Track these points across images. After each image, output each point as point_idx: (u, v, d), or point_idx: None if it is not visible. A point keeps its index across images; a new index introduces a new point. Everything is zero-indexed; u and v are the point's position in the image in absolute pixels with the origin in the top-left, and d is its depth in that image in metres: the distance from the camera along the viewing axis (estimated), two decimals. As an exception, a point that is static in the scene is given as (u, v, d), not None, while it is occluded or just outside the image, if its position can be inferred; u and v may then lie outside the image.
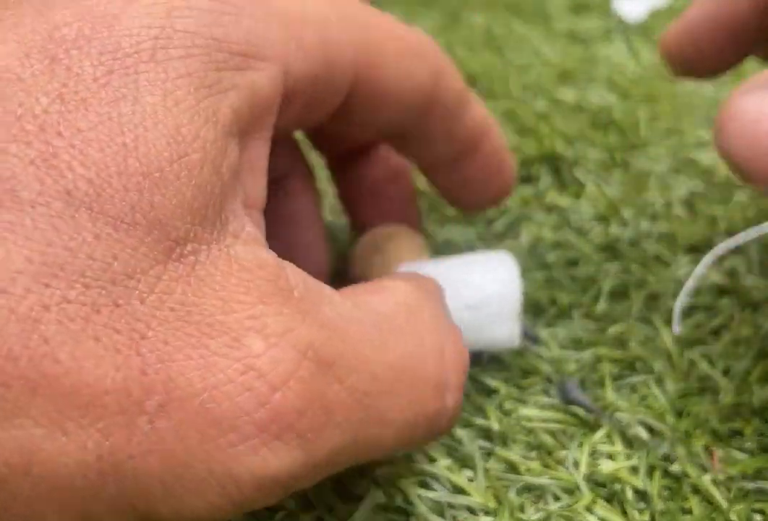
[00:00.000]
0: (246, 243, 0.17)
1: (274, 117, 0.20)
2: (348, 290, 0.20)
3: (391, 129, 0.27)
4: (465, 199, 0.31)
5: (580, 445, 0.27)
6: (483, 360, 0.30)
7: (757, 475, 0.26)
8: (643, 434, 0.28)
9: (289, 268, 0.18)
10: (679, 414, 0.28)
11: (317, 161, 0.34)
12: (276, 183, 0.27)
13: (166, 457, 0.15)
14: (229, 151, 0.17)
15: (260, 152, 0.19)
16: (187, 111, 0.17)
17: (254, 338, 0.15)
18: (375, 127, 0.27)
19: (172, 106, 0.17)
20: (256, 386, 0.15)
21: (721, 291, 0.34)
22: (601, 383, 0.30)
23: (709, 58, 0.31)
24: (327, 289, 0.19)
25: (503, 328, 0.27)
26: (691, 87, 0.51)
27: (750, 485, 0.26)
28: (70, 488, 0.14)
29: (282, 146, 0.27)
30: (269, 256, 0.18)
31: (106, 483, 0.14)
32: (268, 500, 0.16)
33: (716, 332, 0.32)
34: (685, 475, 0.26)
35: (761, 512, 0.25)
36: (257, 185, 0.19)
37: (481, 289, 0.26)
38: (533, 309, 0.33)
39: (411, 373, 0.19)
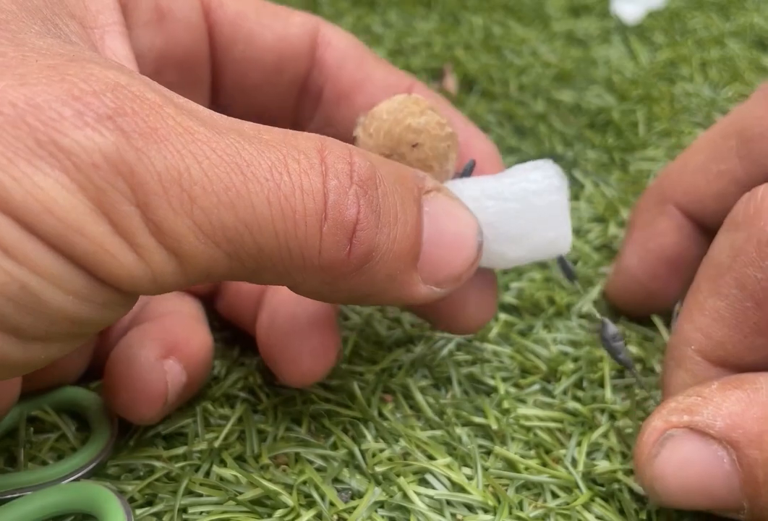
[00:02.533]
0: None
1: (113, 14, 0.23)
2: None
3: (287, 72, 0.28)
4: None
5: (579, 444, 0.27)
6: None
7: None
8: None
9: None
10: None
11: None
12: None
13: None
14: None
15: (115, 43, 0.22)
16: None
17: (75, 68, 0.18)
18: (265, 65, 0.27)
19: None
20: (70, 90, 0.17)
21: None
22: (599, 383, 0.30)
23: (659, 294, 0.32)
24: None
25: (556, 229, 0.25)
26: (689, 88, 0.51)
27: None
28: None
29: None
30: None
31: None
32: (113, 193, 0.18)
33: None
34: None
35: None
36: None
37: (537, 193, 0.25)
38: (533, 309, 0.33)
39: (273, 148, 0.20)
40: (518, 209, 0.25)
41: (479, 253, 0.24)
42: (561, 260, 0.27)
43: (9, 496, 0.24)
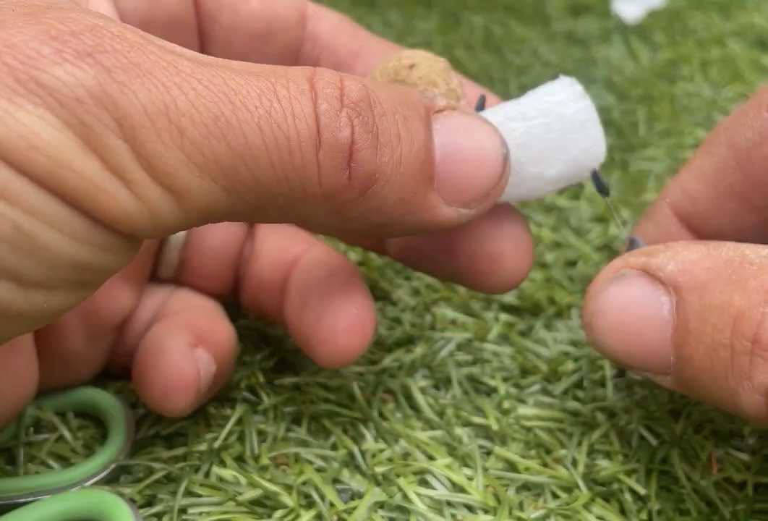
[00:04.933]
0: None
1: None
2: None
3: (276, 40, 0.27)
4: None
5: (579, 444, 0.27)
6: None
7: (756, 476, 0.26)
8: (642, 434, 0.28)
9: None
10: (678, 415, 0.29)
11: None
12: None
13: None
14: None
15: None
16: None
17: (53, 13, 0.18)
18: (253, 31, 0.27)
19: None
20: (49, 30, 0.17)
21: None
22: (600, 383, 0.30)
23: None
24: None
25: (589, 136, 0.24)
26: (689, 88, 0.51)
27: (749, 485, 0.26)
28: None
29: None
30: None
31: None
32: (99, 127, 0.17)
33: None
34: (683, 476, 0.26)
35: (761, 512, 0.25)
36: None
37: (562, 103, 0.24)
38: (533, 309, 0.33)
39: (261, 76, 0.19)
40: (546, 123, 0.24)
41: (505, 166, 0.23)
42: (594, 174, 0.25)
43: (22, 500, 0.24)
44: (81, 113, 0.17)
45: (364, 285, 0.27)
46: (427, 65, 0.25)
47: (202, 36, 0.27)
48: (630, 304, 0.23)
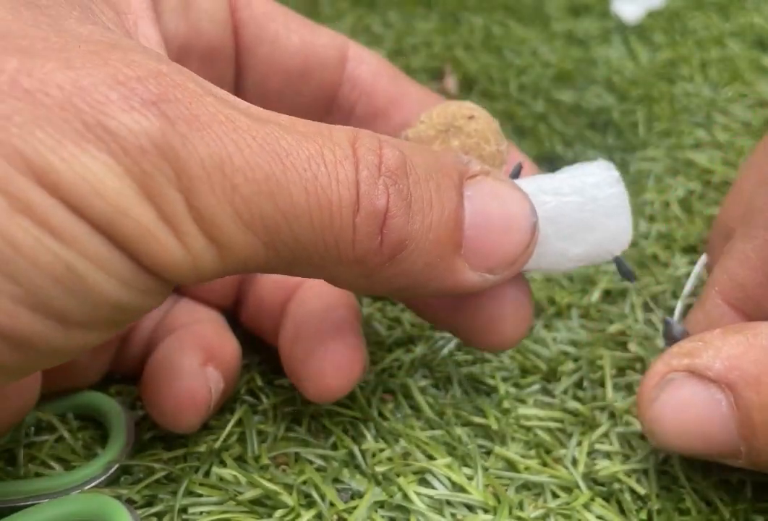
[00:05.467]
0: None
1: (150, 1, 0.23)
2: None
3: (314, 79, 0.28)
4: None
5: (579, 444, 0.27)
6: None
7: (756, 475, 0.26)
8: (641, 434, 0.28)
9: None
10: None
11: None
12: None
13: (32, 102, 0.17)
14: None
15: (145, 28, 0.23)
16: None
17: (117, 53, 0.18)
18: (291, 69, 0.27)
19: None
20: (115, 75, 0.18)
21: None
22: (600, 383, 0.30)
23: None
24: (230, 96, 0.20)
25: (617, 222, 0.24)
26: (689, 88, 0.51)
27: (749, 485, 0.26)
28: None
29: None
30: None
31: None
32: (159, 176, 0.18)
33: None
34: (683, 475, 0.26)
35: (761, 512, 0.25)
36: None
37: (596, 186, 0.24)
38: (533, 309, 0.33)
39: (309, 138, 0.20)
40: (578, 202, 0.24)
41: (534, 234, 0.23)
42: (618, 260, 0.25)
43: (22, 503, 0.24)
44: (143, 162, 0.17)
45: (358, 324, 0.27)
46: (485, 121, 0.25)
47: (239, 67, 0.27)
48: (686, 406, 0.23)
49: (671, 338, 0.26)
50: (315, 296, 0.28)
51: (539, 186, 0.24)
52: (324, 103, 0.29)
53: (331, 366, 0.25)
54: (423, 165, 0.22)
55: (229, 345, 0.28)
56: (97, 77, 0.17)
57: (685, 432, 0.23)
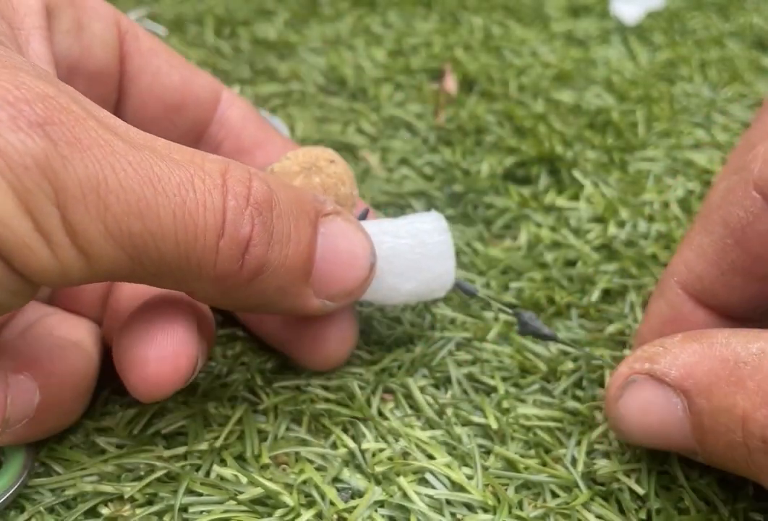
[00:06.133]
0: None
1: (38, 18, 0.25)
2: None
3: (188, 115, 0.30)
4: None
5: (578, 443, 0.27)
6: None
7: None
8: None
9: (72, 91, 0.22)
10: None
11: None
12: None
13: None
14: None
15: (38, 45, 0.25)
16: None
17: (6, 78, 0.20)
18: (168, 101, 0.30)
19: None
20: (4, 96, 0.19)
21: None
22: (599, 383, 0.30)
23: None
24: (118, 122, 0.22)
25: (443, 264, 0.28)
26: (688, 88, 0.51)
27: (748, 484, 0.26)
28: None
29: None
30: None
31: None
32: (39, 194, 0.19)
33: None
34: (682, 475, 0.26)
35: (759, 511, 0.25)
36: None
37: (428, 232, 0.28)
38: (532, 308, 0.33)
39: (183, 167, 0.22)
40: (411, 244, 0.28)
41: (372, 272, 0.27)
42: (457, 283, 0.29)
43: None
44: (26, 179, 0.19)
45: (192, 318, 0.25)
46: (343, 167, 0.28)
47: (121, 92, 0.30)
48: (647, 407, 0.25)
49: (527, 332, 0.29)
50: (148, 293, 0.27)
51: (380, 228, 0.28)
52: (194, 136, 0.31)
53: (154, 356, 0.24)
54: (286, 200, 0.24)
55: (64, 359, 0.26)
56: None
57: (647, 430, 0.25)
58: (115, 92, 0.29)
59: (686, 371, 0.24)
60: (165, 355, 0.24)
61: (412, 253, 0.28)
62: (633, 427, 0.25)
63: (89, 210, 0.20)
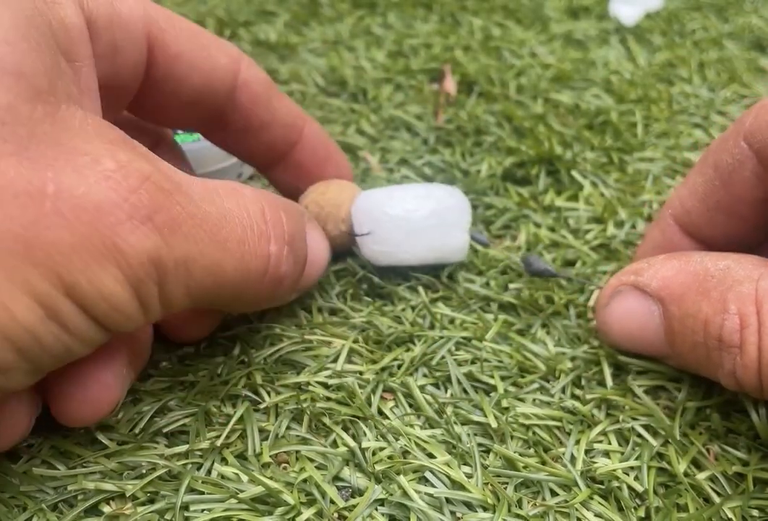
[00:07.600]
0: (95, 116, 0.23)
1: (88, 47, 0.25)
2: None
3: (205, 106, 0.31)
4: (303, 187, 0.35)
5: (577, 442, 0.28)
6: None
7: (755, 472, 0.26)
8: (640, 431, 0.28)
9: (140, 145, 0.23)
10: (674, 412, 0.29)
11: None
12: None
13: (71, 228, 0.20)
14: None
15: (88, 76, 0.25)
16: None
17: (109, 161, 0.22)
18: (187, 100, 0.31)
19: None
20: (117, 189, 0.21)
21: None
22: (598, 382, 0.30)
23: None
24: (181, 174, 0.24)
25: (458, 235, 0.33)
26: (687, 89, 0.51)
27: (748, 481, 0.26)
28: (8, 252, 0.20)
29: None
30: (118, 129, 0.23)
31: (32, 248, 0.20)
32: (148, 281, 0.22)
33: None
34: (681, 472, 0.26)
35: (758, 508, 0.25)
36: (91, 99, 0.25)
37: (442, 200, 0.33)
38: (531, 308, 0.34)
39: (237, 220, 0.25)
40: (429, 208, 0.32)
41: (325, 269, 0.32)
42: (471, 236, 0.34)
43: None
44: (140, 272, 0.22)
45: (125, 357, 0.27)
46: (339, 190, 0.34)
47: (141, 92, 0.30)
48: (629, 314, 0.29)
49: (534, 273, 0.33)
50: None
51: (398, 194, 0.32)
52: (208, 118, 0.32)
53: (80, 399, 0.26)
54: (298, 223, 0.28)
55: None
56: (104, 194, 0.21)
57: (628, 334, 0.29)
58: (133, 94, 0.30)
59: (664, 282, 0.28)
60: (88, 399, 0.26)
61: (429, 218, 0.32)
62: (616, 331, 0.30)
63: (179, 279, 0.23)
